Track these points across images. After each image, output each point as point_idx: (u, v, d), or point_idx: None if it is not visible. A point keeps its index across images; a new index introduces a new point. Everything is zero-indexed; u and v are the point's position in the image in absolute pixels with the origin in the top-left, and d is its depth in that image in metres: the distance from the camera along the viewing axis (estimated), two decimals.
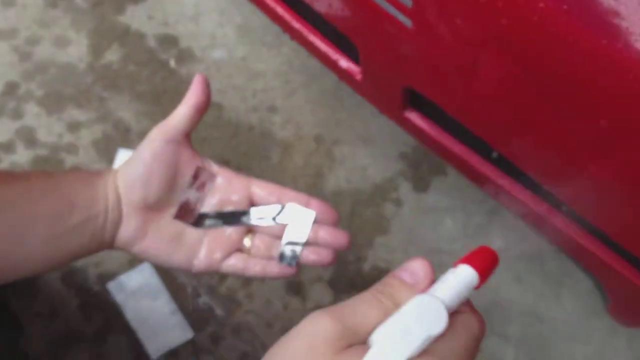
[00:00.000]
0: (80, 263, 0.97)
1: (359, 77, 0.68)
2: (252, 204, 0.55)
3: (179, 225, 0.53)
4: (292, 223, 0.53)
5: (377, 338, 0.32)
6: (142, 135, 1.03)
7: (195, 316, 0.94)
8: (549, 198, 0.62)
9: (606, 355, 0.93)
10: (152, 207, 0.52)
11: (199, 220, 0.53)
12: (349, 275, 0.97)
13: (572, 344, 0.94)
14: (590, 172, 0.48)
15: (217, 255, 0.53)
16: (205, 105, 0.55)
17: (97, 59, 1.10)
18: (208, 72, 1.08)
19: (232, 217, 0.54)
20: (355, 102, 1.05)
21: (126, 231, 0.51)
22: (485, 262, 0.39)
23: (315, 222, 0.53)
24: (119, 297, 0.93)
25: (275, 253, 0.54)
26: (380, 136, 1.04)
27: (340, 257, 0.98)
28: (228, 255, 0.54)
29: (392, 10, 0.50)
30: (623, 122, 0.41)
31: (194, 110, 0.54)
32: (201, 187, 0.53)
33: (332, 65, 0.72)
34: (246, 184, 0.55)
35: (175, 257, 0.53)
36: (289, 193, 0.55)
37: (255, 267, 0.54)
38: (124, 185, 0.51)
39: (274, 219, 0.53)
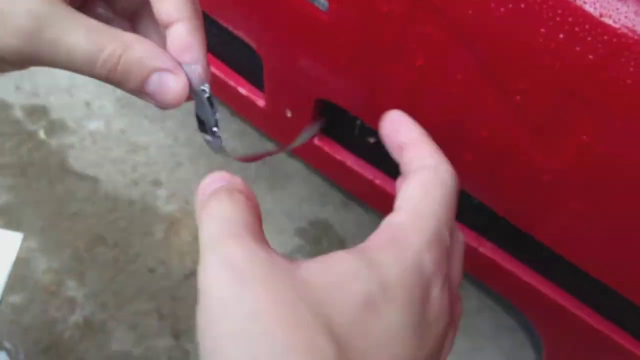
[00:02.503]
0: None
1: (261, 103, 0.62)
2: None
3: None
4: None
5: None
6: (5, 212, 0.90)
7: None
8: (482, 229, 0.57)
9: None
10: None
11: None
12: None
13: None
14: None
15: None
16: None
17: None
18: (82, 143, 0.98)
19: None
20: (247, 178, 0.98)
21: None
22: None
23: None
24: None
25: None
26: (275, 211, 0.96)
27: None
28: None
29: None
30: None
31: None
32: None
33: (231, 95, 0.65)
34: None
35: None
36: None
37: None
38: None
39: None
